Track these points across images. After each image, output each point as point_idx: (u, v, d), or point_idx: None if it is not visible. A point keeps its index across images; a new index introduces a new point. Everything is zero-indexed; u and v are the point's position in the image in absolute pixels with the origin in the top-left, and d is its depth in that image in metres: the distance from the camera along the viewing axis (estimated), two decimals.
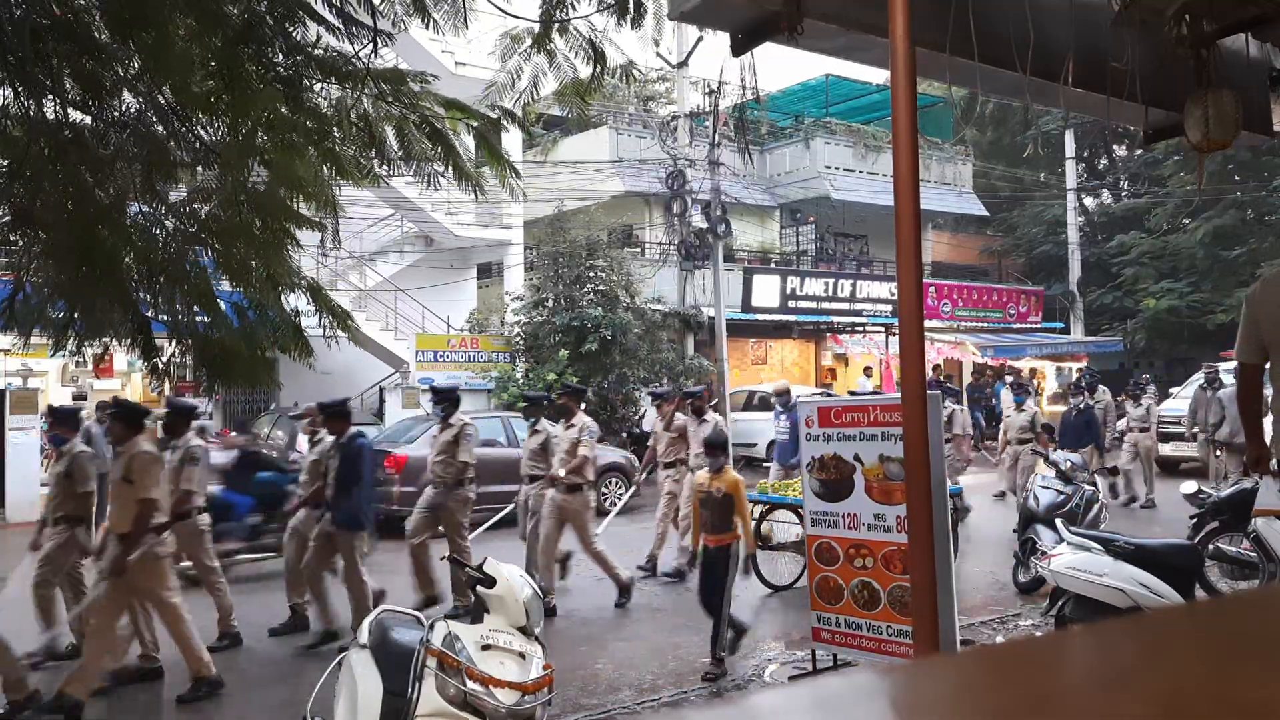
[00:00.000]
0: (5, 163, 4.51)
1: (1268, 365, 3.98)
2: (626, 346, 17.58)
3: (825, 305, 22.34)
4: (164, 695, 6.21)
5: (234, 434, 12.10)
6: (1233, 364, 17.49)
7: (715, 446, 6.45)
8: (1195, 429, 13.18)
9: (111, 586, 5.83)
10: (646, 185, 20.44)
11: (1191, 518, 7.73)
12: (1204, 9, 4.14)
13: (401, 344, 18.43)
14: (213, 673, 6.09)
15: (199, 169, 5.08)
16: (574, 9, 5.54)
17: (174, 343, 5.05)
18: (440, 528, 8.10)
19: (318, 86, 4.98)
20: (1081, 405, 12.43)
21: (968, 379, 24.45)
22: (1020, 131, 29.99)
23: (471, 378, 18.03)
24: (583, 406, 8.89)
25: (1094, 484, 8.82)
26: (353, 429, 7.39)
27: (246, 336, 5.06)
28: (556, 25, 5.61)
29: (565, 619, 7.85)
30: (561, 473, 8.18)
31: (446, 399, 8.42)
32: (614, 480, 13.76)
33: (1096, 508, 8.45)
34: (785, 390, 11.73)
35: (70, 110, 4.48)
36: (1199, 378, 13.84)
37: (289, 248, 5.19)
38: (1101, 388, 14.52)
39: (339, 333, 5.71)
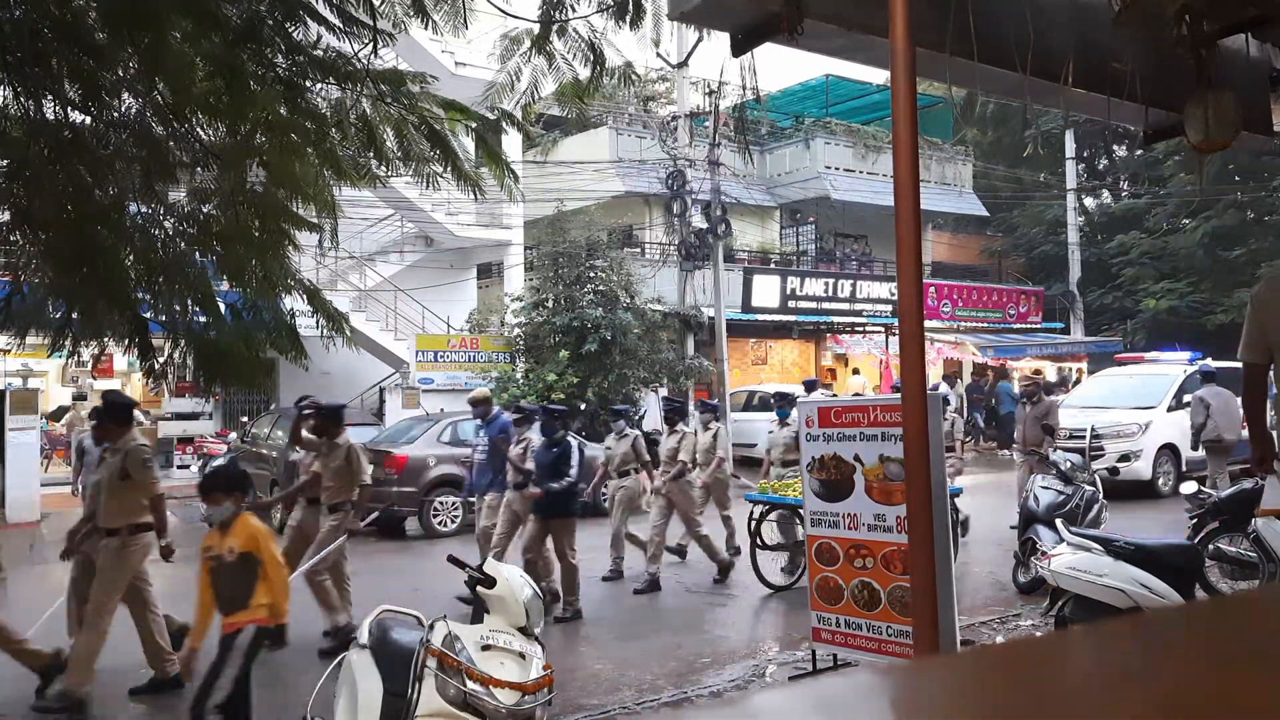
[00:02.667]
0: (5, 163, 4.51)
1: (1272, 365, 3.99)
2: (626, 347, 17.56)
3: (825, 305, 22.34)
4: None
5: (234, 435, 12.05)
6: (1135, 365, 16.99)
7: (217, 486, 4.50)
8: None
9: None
10: (646, 185, 20.44)
11: (1191, 518, 7.72)
12: (1204, 9, 4.15)
13: (401, 344, 18.44)
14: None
15: (198, 170, 5.09)
16: (574, 10, 5.55)
17: (171, 343, 5.05)
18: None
19: (317, 87, 4.99)
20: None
21: (967, 379, 24.46)
22: (1020, 131, 29.98)
23: (471, 378, 18.04)
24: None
25: (1094, 484, 8.81)
26: None
27: (243, 338, 5.06)
28: (556, 26, 5.62)
29: (565, 619, 7.84)
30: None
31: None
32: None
33: (1096, 508, 8.45)
34: (484, 400, 8.74)
35: (70, 110, 4.48)
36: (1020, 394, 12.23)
37: (287, 249, 5.20)
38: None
39: (335, 335, 5.71)
